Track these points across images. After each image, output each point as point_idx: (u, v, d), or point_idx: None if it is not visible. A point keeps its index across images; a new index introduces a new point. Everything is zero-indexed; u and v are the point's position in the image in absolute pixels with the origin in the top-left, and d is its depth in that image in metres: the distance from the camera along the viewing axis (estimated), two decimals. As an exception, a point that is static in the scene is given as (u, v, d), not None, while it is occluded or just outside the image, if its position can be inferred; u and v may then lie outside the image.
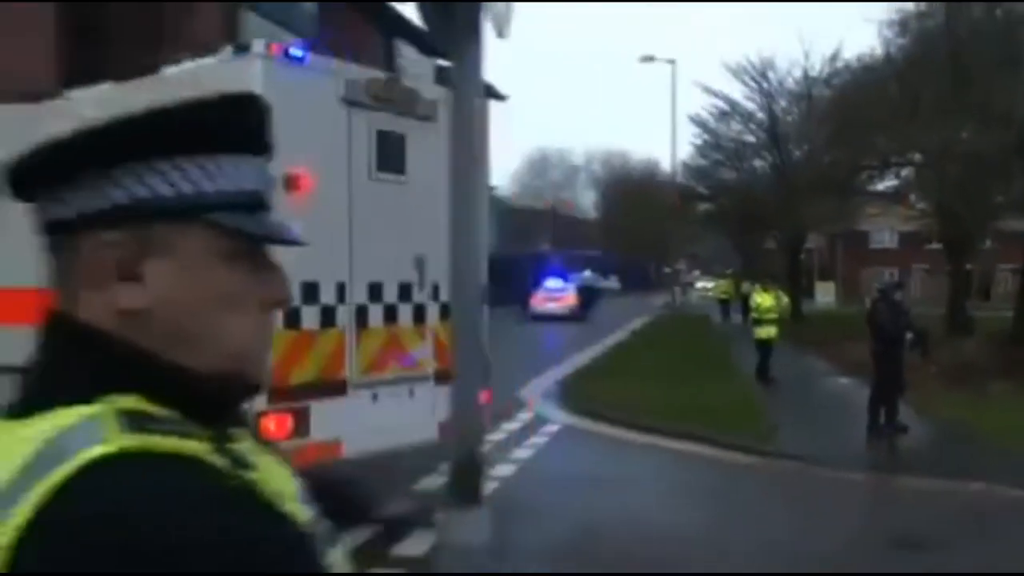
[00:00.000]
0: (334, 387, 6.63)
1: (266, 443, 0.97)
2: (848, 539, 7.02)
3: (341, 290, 6.64)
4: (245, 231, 0.88)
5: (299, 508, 0.89)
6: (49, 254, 0.89)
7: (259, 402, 5.92)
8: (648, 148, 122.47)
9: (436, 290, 7.21)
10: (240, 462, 0.84)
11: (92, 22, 26.38)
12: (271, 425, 6.18)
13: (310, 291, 6.38)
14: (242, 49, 6.32)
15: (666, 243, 49.35)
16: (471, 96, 3.49)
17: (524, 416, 12.51)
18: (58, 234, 0.87)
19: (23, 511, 0.74)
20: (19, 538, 0.74)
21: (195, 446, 0.80)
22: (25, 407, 0.83)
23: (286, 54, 6.31)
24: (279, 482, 0.89)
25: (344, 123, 6.64)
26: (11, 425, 0.83)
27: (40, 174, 0.87)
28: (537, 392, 15.13)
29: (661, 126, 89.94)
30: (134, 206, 0.84)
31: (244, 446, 0.89)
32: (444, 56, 3.95)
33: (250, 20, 32.31)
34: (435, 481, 7.58)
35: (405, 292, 7.10)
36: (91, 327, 0.85)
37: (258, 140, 0.92)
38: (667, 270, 59.28)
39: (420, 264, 7.14)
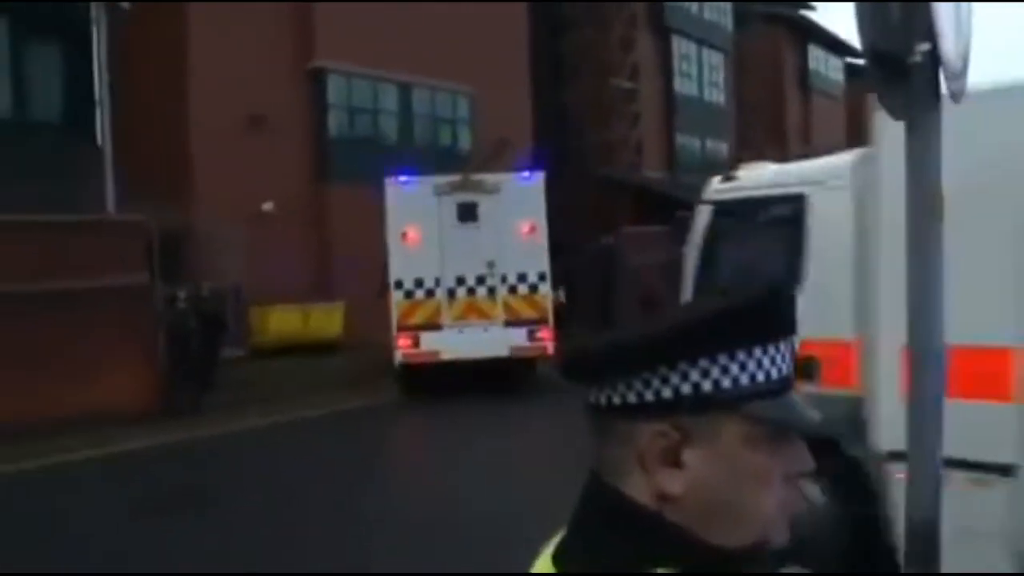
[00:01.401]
0: (434, 326, 13.90)
1: None
2: None
3: (437, 280, 13.92)
4: (777, 420, 0.93)
5: None
6: (595, 431, 0.98)
7: (393, 331, 13.86)
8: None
9: (504, 278, 14.18)
10: None
11: (556, 65, 29.84)
12: (400, 341, 13.81)
13: (419, 281, 13.91)
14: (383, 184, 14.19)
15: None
16: (931, 157, 3.40)
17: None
18: (603, 415, 0.96)
19: None
20: None
21: None
22: (575, 567, 0.93)
23: (399, 182, 14.12)
24: None
25: (435, 203, 13.94)
26: None
27: (599, 367, 0.96)
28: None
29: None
30: (678, 402, 0.91)
31: None
32: (895, 116, 3.52)
33: (676, 43, 34.44)
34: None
35: (480, 280, 14.06)
36: (640, 506, 0.92)
37: (787, 325, 0.96)
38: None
39: (491, 265, 14.03)
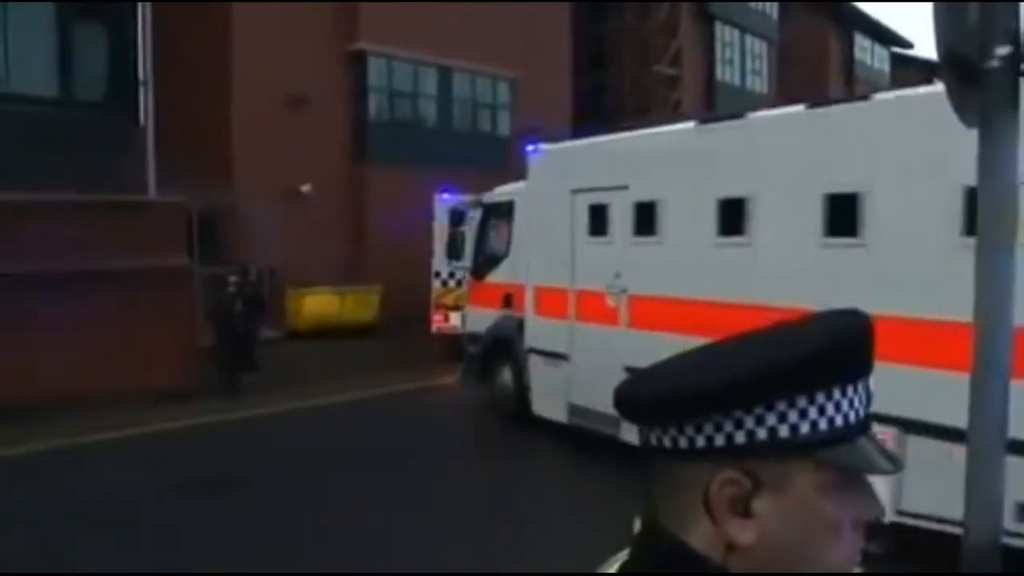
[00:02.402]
0: (459, 307, 14.44)
1: None
2: None
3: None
4: (850, 466, 0.87)
5: None
6: (653, 474, 0.92)
7: (432, 309, 15.48)
8: None
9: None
10: None
11: (598, 49, 29.56)
12: (435, 316, 15.81)
13: (452, 273, 14.19)
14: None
15: None
16: (1005, 163, 3.25)
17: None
18: (665, 458, 0.89)
19: None
20: None
21: None
22: None
23: (442, 198, 13.75)
24: None
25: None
26: None
27: (667, 410, 0.88)
28: None
29: None
30: (751, 448, 0.85)
31: None
32: (961, 117, 3.38)
33: (719, 30, 34.10)
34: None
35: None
36: (705, 558, 0.86)
37: (867, 365, 0.90)
38: None
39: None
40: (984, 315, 3.52)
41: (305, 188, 21.20)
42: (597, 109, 30.02)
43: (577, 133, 28.20)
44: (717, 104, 34.77)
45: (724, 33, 35.34)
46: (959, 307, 4.11)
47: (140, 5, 15.45)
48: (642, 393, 0.91)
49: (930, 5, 3.49)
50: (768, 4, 38.13)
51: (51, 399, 11.17)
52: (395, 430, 11.27)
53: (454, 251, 12.88)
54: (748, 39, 36.91)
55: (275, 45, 20.25)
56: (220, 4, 20.24)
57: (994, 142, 3.52)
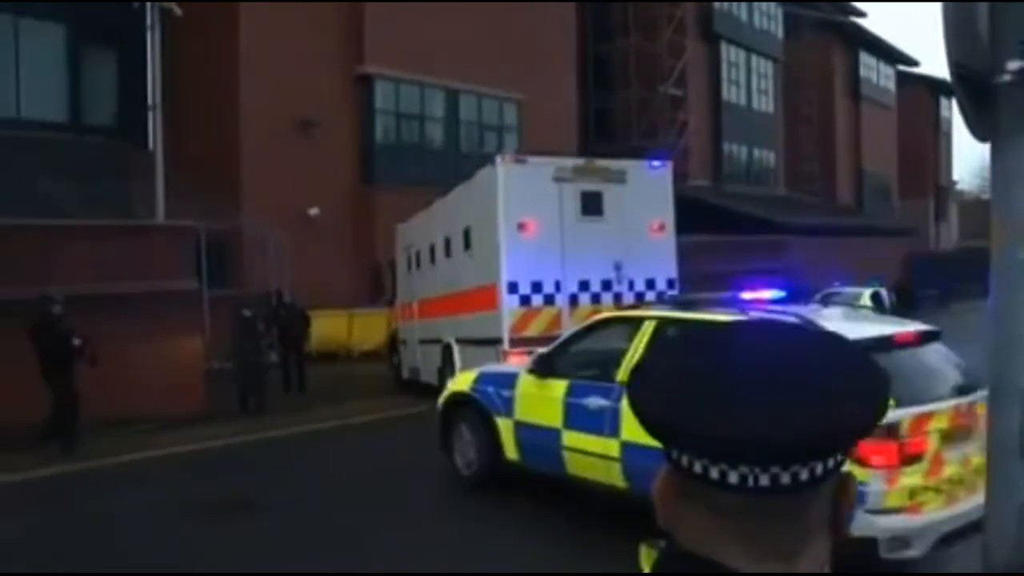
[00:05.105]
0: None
1: None
2: None
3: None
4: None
5: None
6: (752, 515, 0.87)
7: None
8: None
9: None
10: None
11: (604, 71, 29.49)
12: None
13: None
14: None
15: None
16: (1018, 181, 3.24)
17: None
18: (776, 495, 0.85)
19: None
20: None
21: None
22: None
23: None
24: None
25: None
26: None
27: (811, 451, 0.86)
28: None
29: None
30: (842, 462, 0.89)
31: None
32: (981, 139, 3.36)
33: (725, 50, 34.11)
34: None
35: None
36: None
37: None
38: None
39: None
40: (1000, 326, 3.50)
41: (313, 211, 21.28)
42: (603, 130, 30.11)
43: (583, 153, 28.44)
44: (723, 124, 34.84)
45: (730, 53, 35.46)
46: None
47: (149, 31, 15.59)
48: (786, 437, 0.84)
49: (936, 25, 3.48)
50: (773, 23, 38.27)
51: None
52: (399, 455, 11.22)
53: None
54: (754, 59, 37.03)
55: (283, 69, 20.38)
56: (227, 30, 20.41)
57: (1007, 157, 3.50)
